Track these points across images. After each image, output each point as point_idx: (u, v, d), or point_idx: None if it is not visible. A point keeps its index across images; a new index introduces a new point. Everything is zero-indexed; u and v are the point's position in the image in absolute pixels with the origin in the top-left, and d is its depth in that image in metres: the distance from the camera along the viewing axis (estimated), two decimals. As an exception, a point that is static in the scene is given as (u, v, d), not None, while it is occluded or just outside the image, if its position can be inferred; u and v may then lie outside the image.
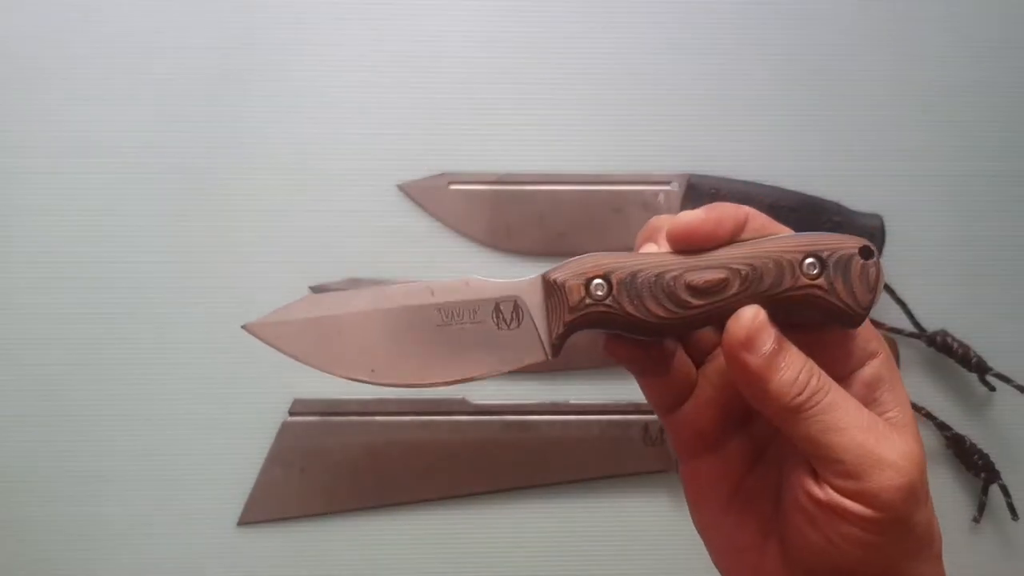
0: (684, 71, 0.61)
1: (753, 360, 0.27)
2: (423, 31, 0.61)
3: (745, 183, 0.59)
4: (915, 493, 0.27)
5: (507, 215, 0.60)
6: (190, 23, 0.60)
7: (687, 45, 0.61)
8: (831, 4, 0.62)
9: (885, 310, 0.59)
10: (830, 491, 0.27)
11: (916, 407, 0.59)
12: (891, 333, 0.59)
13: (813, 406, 0.27)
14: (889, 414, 0.29)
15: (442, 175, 0.60)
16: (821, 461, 0.27)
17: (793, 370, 0.27)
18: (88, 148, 0.60)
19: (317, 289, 0.59)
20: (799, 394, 0.27)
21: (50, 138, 0.60)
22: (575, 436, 0.58)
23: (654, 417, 0.58)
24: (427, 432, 0.58)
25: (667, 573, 0.59)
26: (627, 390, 0.60)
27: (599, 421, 0.58)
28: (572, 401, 0.59)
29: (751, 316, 0.28)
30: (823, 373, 0.28)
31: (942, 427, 0.59)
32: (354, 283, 0.59)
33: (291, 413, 0.59)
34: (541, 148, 0.61)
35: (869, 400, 0.29)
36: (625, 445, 0.58)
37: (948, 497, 0.60)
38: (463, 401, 0.58)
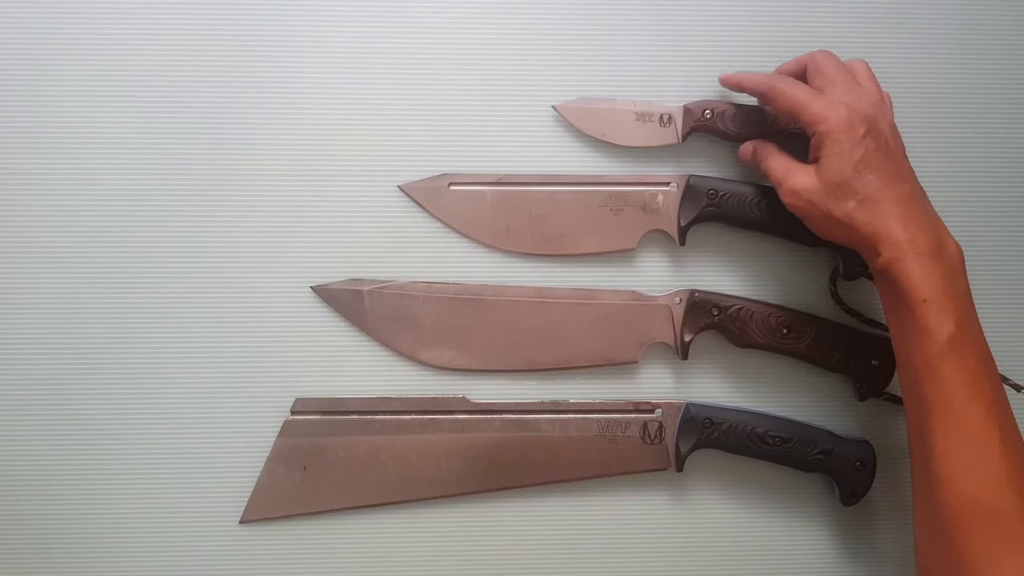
0: (689, 72, 0.62)
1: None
2: (423, 32, 0.61)
3: (744, 184, 0.59)
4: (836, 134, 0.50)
5: (507, 215, 0.60)
6: (191, 24, 0.61)
7: (692, 50, 0.62)
8: None
9: (882, 309, 0.60)
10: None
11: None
12: (888, 332, 0.59)
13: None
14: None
15: (442, 176, 0.61)
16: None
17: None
18: (91, 150, 0.60)
19: (319, 290, 0.60)
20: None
21: (53, 140, 0.60)
22: (575, 435, 0.58)
23: (654, 416, 0.58)
24: (428, 431, 0.58)
25: (666, 571, 0.60)
26: (627, 389, 0.60)
27: (598, 420, 0.59)
28: (572, 400, 0.59)
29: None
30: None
31: (939, 426, 0.59)
32: (355, 283, 0.60)
33: (293, 412, 0.59)
34: (541, 149, 0.61)
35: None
36: (624, 444, 0.58)
37: (945, 495, 0.60)
38: (463, 400, 0.59)
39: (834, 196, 0.49)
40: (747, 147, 0.57)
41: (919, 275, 0.47)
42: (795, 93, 0.52)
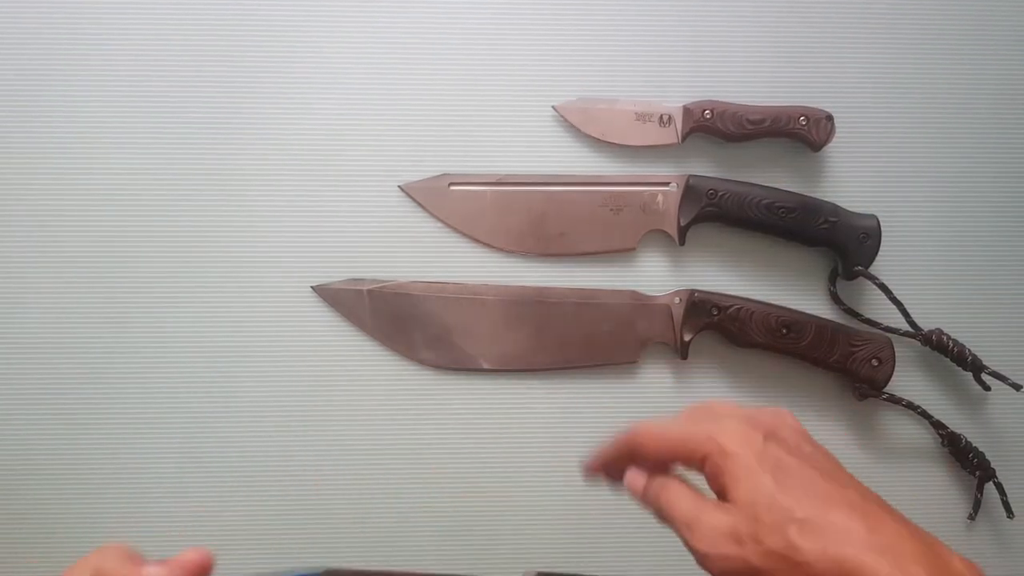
0: (689, 72, 0.62)
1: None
2: (424, 32, 0.61)
3: (743, 184, 0.59)
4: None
5: (507, 215, 0.60)
6: (192, 26, 0.61)
7: (703, 47, 0.62)
8: None
9: (881, 309, 0.60)
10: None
11: (912, 406, 0.59)
12: (887, 332, 0.60)
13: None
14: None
15: (443, 176, 0.61)
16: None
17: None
18: (92, 151, 0.60)
19: (319, 290, 0.60)
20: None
21: (54, 140, 0.60)
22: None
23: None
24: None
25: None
26: (627, 389, 0.60)
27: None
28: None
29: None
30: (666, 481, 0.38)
31: (937, 425, 0.59)
32: (355, 283, 0.60)
33: (293, 412, 0.59)
34: (541, 149, 0.61)
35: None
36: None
37: (943, 495, 0.60)
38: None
39: (766, 527, 0.33)
40: (636, 479, 0.39)
41: None
42: (663, 428, 0.38)
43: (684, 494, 0.37)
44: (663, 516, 0.37)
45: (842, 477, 0.36)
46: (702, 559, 0.34)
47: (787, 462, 0.35)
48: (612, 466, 0.40)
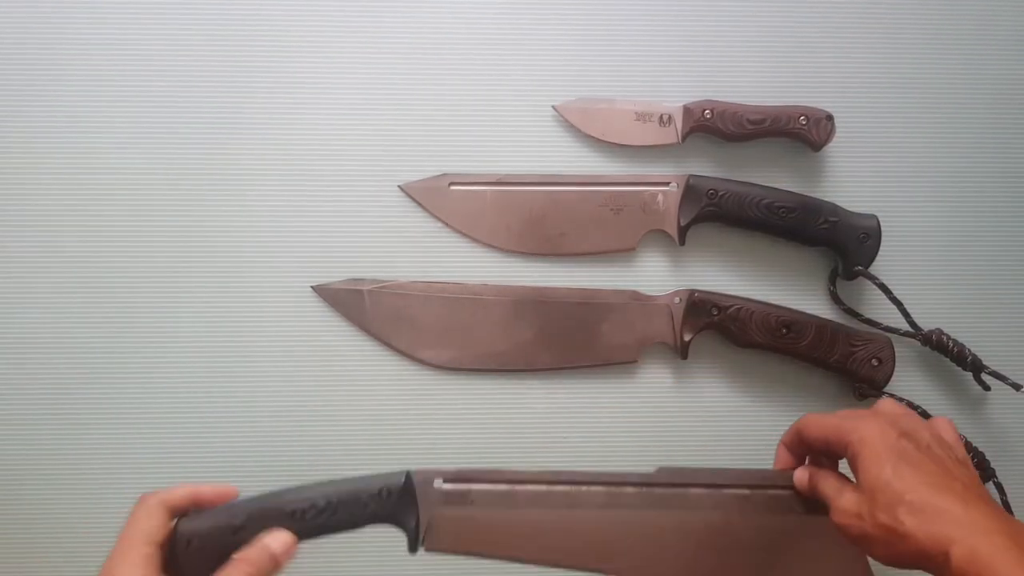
0: (689, 72, 0.62)
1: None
2: (424, 32, 0.61)
3: (744, 184, 0.59)
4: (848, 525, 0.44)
5: (507, 215, 0.60)
6: (193, 27, 0.61)
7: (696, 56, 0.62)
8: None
9: (881, 309, 0.60)
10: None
11: (912, 405, 0.59)
12: (887, 332, 0.60)
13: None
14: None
15: (443, 176, 0.61)
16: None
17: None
18: (93, 151, 0.60)
19: (319, 290, 0.60)
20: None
21: (55, 141, 0.60)
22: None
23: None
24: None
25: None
26: (627, 389, 0.60)
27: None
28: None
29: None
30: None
31: (938, 425, 0.59)
32: (355, 283, 0.60)
33: (293, 412, 0.59)
34: (541, 149, 0.61)
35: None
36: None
37: (944, 495, 0.60)
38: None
39: (880, 505, 0.42)
40: (802, 474, 0.49)
41: (1005, 564, 0.38)
42: (822, 418, 0.48)
43: (830, 479, 0.47)
44: (818, 497, 0.47)
45: (956, 471, 0.43)
46: (838, 527, 0.45)
47: (911, 455, 0.43)
48: (791, 446, 0.50)
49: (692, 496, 0.49)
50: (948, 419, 0.47)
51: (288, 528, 0.44)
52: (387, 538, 0.46)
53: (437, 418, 0.59)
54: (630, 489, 0.49)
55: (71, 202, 0.60)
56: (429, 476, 0.48)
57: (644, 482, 0.49)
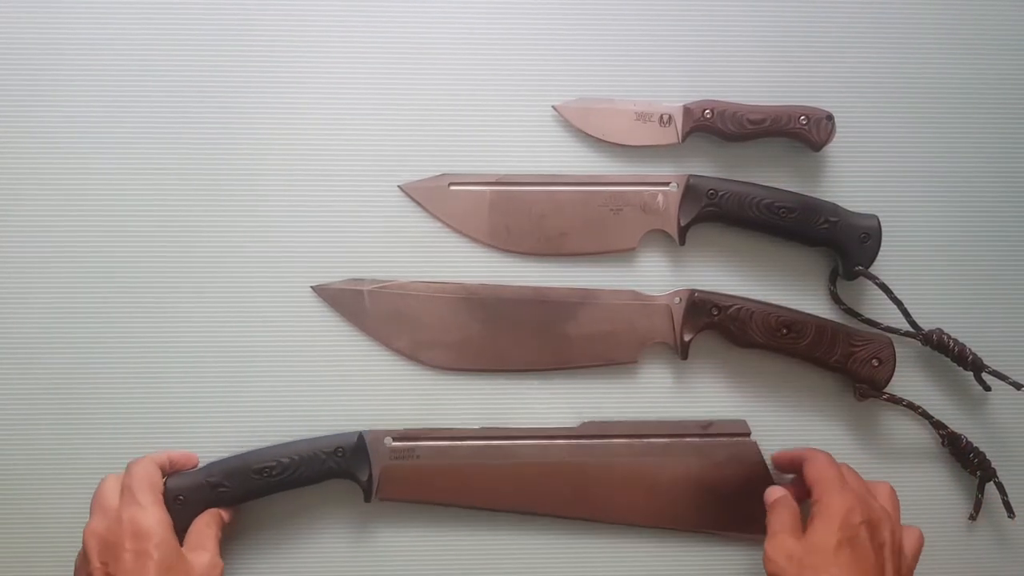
0: (689, 72, 0.62)
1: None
2: (424, 32, 0.62)
3: (744, 184, 0.59)
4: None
5: (507, 215, 0.60)
6: (193, 26, 0.61)
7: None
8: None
9: (881, 309, 0.60)
10: None
11: (912, 406, 0.59)
12: (887, 332, 0.60)
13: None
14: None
15: (443, 176, 0.61)
16: None
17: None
18: (92, 152, 0.60)
19: (319, 290, 0.60)
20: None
21: (56, 140, 0.60)
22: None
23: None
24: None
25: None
26: (627, 389, 0.60)
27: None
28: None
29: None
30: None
31: (938, 425, 0.59)
32: (355, 283, 0.60)
33: (293, 412, 0.59)
34: (541, 149, 0.61)
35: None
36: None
37: (944, 495, 0.60)
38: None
39: (808, 565, 0.47)
40: (773, 493, 0.54)
41: None
42: (821, 463, 0.53)
43: (785, 514, 0.51)
44: (768, 520, 0.52)
45: (894, 565, 0.48)
46: (765, 557, 0.49)
47: (861, 545, 0.47)
48: (783, 464, 0.57)
49: (615, 446, 0.57)
50: (920, 534, 0.52)
51: (257, 483, 0.54)
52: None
53: (437, 418, 0.59)
54: (560, 441, 0.58)
55: (70, 202, 0.60)
56: (380, 435, 0.56)
57: (571, 435, 0.58)
